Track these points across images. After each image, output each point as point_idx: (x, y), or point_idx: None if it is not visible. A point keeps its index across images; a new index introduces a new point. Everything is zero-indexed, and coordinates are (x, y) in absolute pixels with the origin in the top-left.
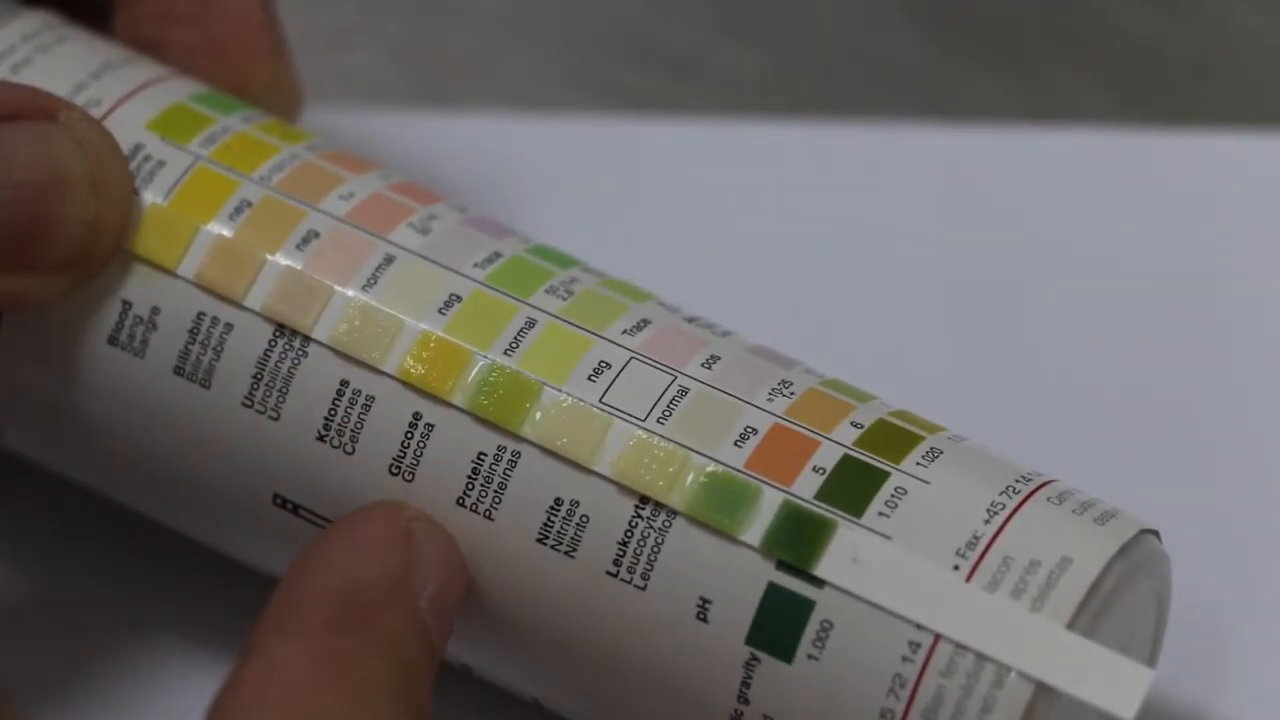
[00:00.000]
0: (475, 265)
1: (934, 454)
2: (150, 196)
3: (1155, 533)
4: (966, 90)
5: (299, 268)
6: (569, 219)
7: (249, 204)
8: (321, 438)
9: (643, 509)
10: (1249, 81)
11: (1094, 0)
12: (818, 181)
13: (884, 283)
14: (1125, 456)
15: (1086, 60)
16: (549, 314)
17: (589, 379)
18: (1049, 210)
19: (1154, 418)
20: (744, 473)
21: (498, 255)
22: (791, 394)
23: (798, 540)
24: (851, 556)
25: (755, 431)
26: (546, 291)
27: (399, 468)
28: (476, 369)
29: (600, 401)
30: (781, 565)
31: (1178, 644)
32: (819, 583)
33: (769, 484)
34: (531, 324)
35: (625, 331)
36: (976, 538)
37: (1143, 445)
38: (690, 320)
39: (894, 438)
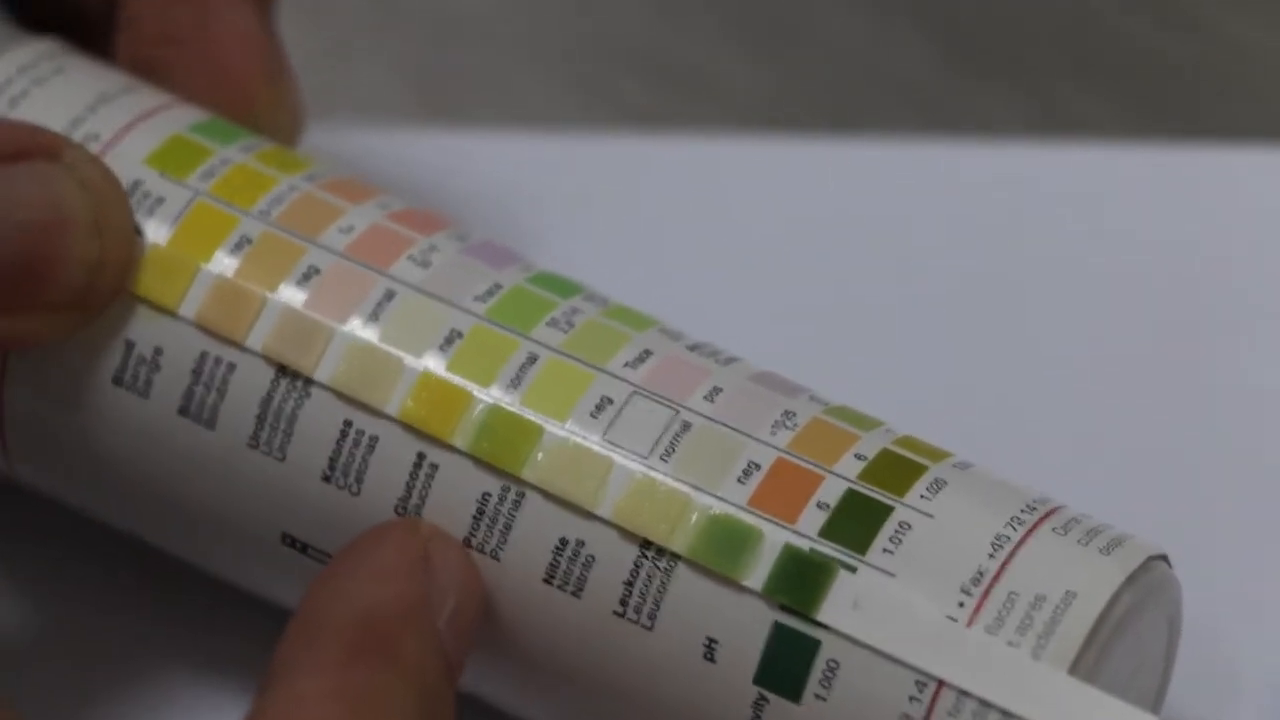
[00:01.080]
0: (476, 299)
1: (938, 485)
2: (150, 235)
3: (1164, 557)
4: (976, 106)
5: (299, 307)
6: (578, 236)
7: (249, 240)
8: (327, 478)
9: (647, 550)
10: (1258, 96)
11: (1103, 16)
12: (828, 198)
13: (895, 299)
14: (1136, 474)
15: (1096, 76)
16: (550, 348)
17: (591, 415)
18: (1060, 225)
19: (1164, 434)
20: (748, 510)
21: (498, 287)
22: (794, 425)
23: (800, 584)
24: (853, 601)
25: (758, 467)
26: (548, 324)
27: (405, 508)
28: (478, 410)
29: (603, 439)
30: (785, 606)
31: (1189, 666)
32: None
33: (773, 522)
34: (533, 359)
35: (627, 364)
36: (981, 573)
37: (1153, 463)
38: (693, 348)
39: (898, 469)
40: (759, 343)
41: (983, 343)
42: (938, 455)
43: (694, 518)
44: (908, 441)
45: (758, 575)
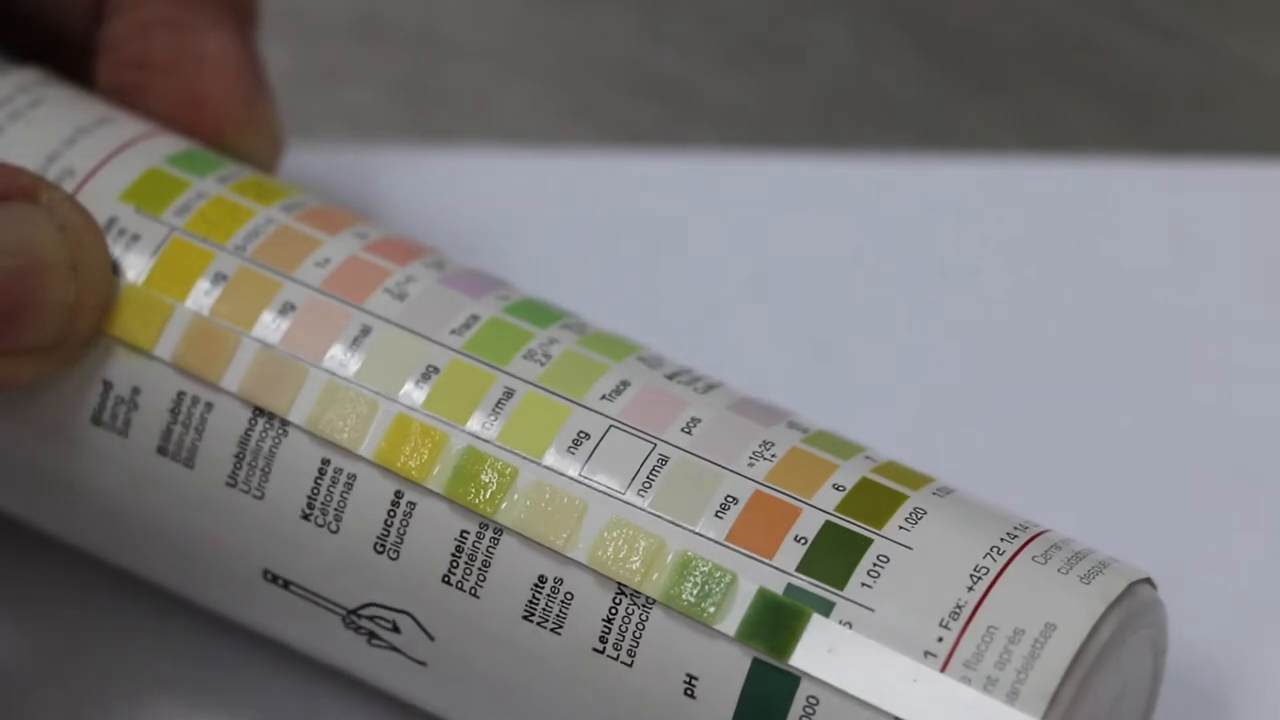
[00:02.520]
0: (452, 332)
1: (918, 514)
2: (126, 274)
3: (1148, 579)
4: (964, 121)
5: (275, 347)
6: (565, 253)
7: (224, 277)
8: (306, 516)
9: (626, 587)
10: (1248, 111)
11: (1092, 30)
12: (816, 214)
13: (883, 315)
14: (1124, 494)
15: (1085, 90)
16: (527, 382)
17: (569, 450)
18: (1049, 240)
19: (1152, 452)
20: (725, 546)
21: (475, 319)
22: (773, 456)
23: (773, 630)
24: (827, 646)
25: (736, 501)
26: (524, 357)
27: (383, 546)
28: (453, 452)
29: (580, 475)
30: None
31: (1176, 686)
32: None
33: (750, 557)
34: (510, 394)
35: (604, 397)
36: (960, 606)
37: (1142, 482)
38: (672, 376)
39: (877, 498)
40: (746, 360)
41: (972, 359)
42: (918, 481)
43: (668, 559)
44: (888, 468)
45: (730, 621)
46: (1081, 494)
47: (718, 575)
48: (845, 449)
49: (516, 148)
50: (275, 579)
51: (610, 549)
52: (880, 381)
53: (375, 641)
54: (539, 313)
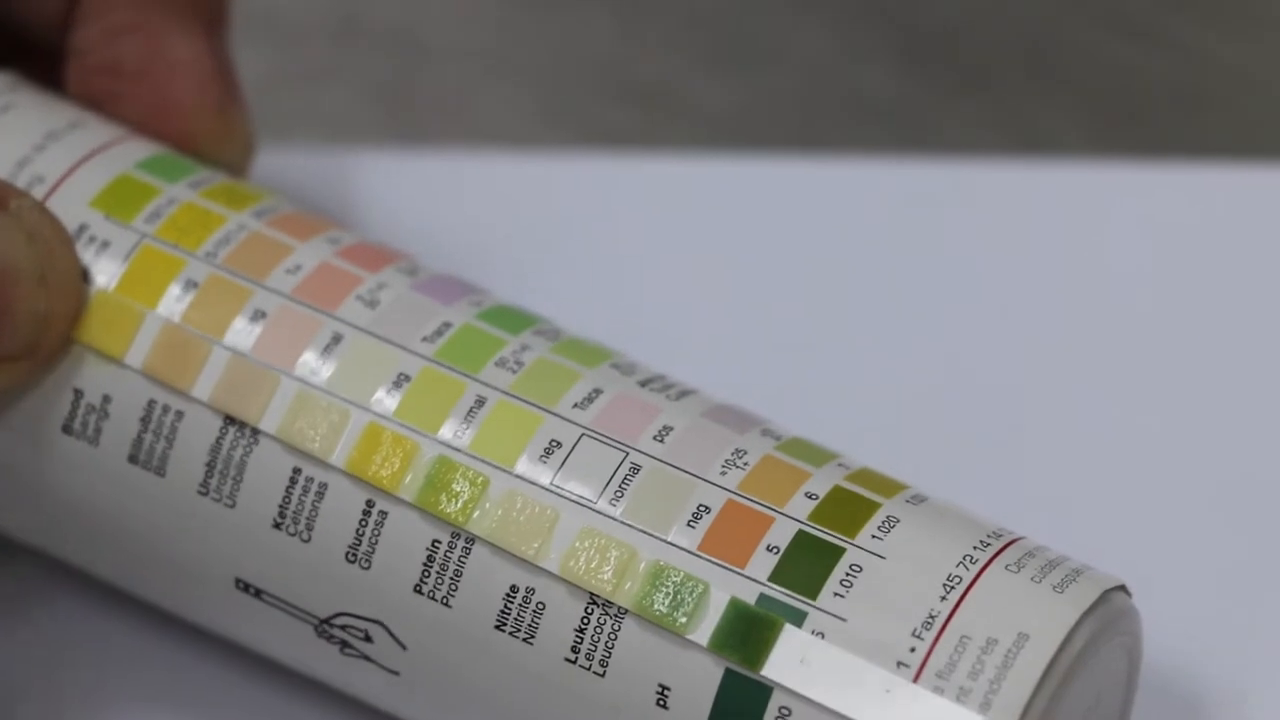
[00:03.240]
0: (424, 339)
1: (891, 522)
2: (97, 281)
3: (1123, 587)
4: (945, 124)
5: (246, 354)
6: (546, 256)
7: (195, 284)
8: (277, 525)
9: (598, 597)
10: (1229, 113)
11: (1073, 33)
12: (795, 216)
13: (863, 317)
14: (1100, 499)
15: (1067, 93)
16: (499, 390)
17: (540, 459)
18: (1030, 243)
19: (1132, 456)
20: (697, 556)
21: (447, 325)
22: (745, 464)
23: (745, 641)
24: (800, 657)
25: (708, 510)
26: (496, 364)
27: (355, 555)
28: (425, 460)
29: (552, 484)
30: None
31: (1152, 694)
32: None
33: (722, 567)
34: (481, 402)
35: (576, 405)
36: (933, 616)
37: (1119, 487)
38: (645, 383)
39: (850, 507)
40: (725, 362)
41: (952, 361)
42: (891, 489)
43: (640, 568)
44: (861, 476)
45: (703, 631)
46: (1058, 498)
47: (690, 585)
48: (819, 456)
49: (495, 151)
50: (247, 588)
51: (582, 559)
52: (860, 383)
53: (348, 651)
54: (512, 319)
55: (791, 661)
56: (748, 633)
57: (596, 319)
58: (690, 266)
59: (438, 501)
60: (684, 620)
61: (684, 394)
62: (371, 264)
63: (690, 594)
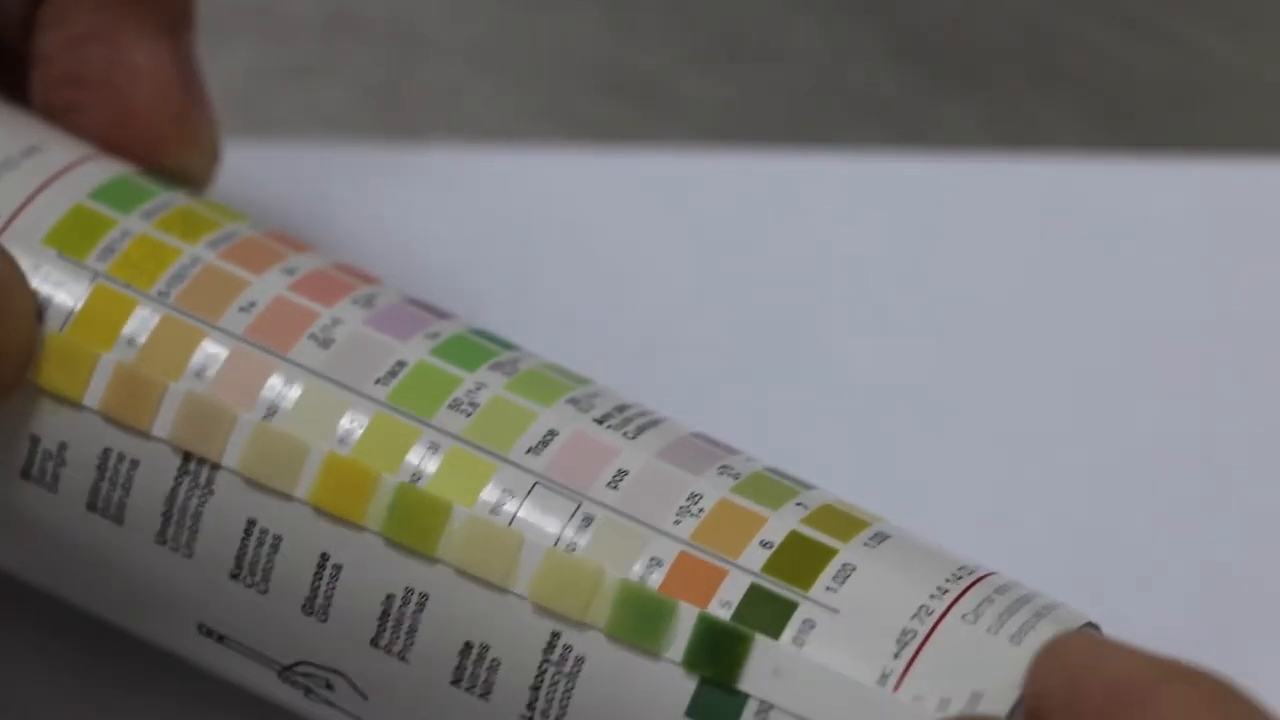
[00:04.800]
0: (377, 381)
1: (846, 572)
2: (50, 322)
3: (1091, 624)
4: (939, 119)
5: (201, 394)
6: (537, 252)
7: (148, 326)
8: (235, 576)
9: (550, 653)
10: (1224, 109)
11: (1066, 28)
12: (788, 211)
13: (856, 312)
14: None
15: (1061, 88)
16: (452, 436)
17: (492, 512)
18: (1024, 238)
19: (1134, 453)
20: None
21: (401, 365)
22: (700, 511)
23: (717, 656)
24: (774, 668)
25: (660, 564)
26: (450, 407)
27: (312, 608)
28: (387, 490)
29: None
30: (705, 680)
31: None
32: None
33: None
34: (435, 448)
35: (530, 450)
36: (886, 675)
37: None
38: (603, 419)
39: (805, 555)
40: (719, 357)
41: (947, 355)
42: (851, 529)
43: (611, 586)
44: (821, 515)
45: (676, 647)
46: (1058, 497)
47: (658, 601)
48: (777, 495)
49: (487, 146)
50: (210, 633)
51: (549, 582)
52: (853, 378)
53: (311, 695)
54: (469, 352)
55: (766, 673)
56: (720, 647)
57: (588, 314)
58: (683, 262)
59: (405, 535)
60: (657, 639)
61: (643, 428)
62: (327, 297)
63: (660, 611)
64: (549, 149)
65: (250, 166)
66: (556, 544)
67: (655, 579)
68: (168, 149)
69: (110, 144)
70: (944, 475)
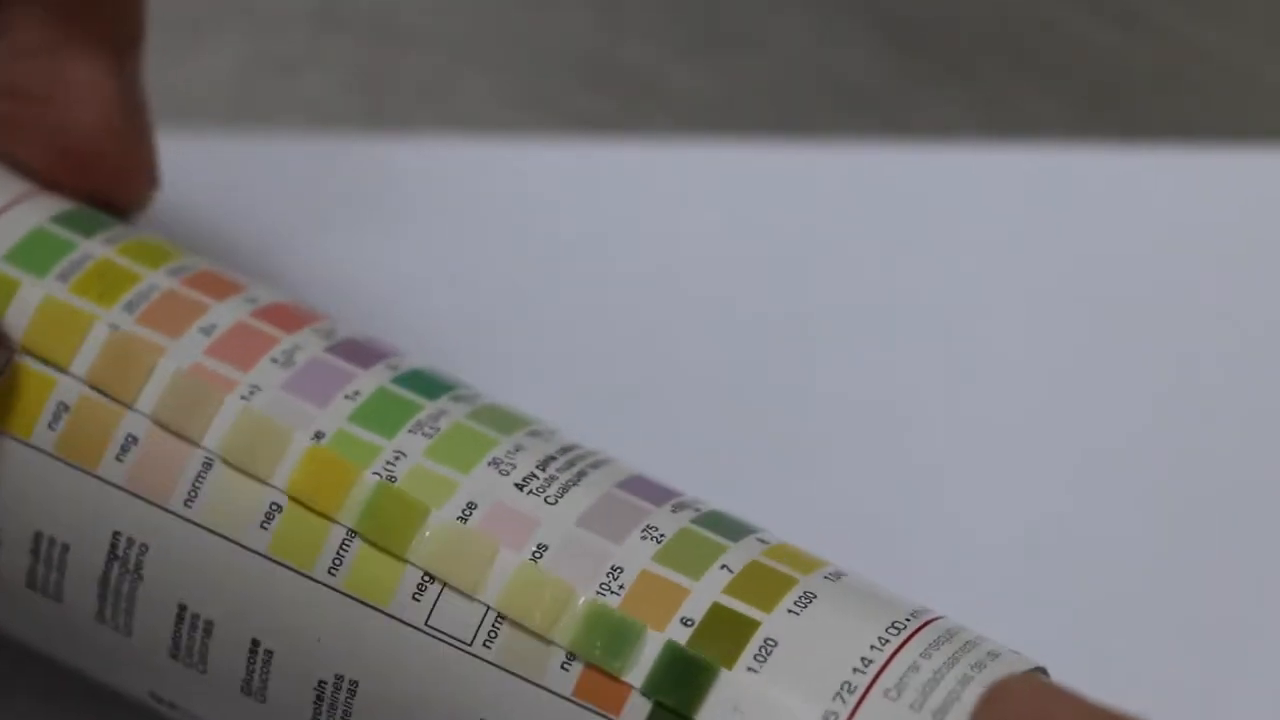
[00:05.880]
0: (313, 436)
1: (767, 649)
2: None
3: (1039, 668)
4: (926, 108)
5: (154, 429)
6: (524, 241)
7: (66, 409)
8: (174, 656)
9: None
10: (1208, 96)
11: (1052, 16)
12: (776, 202)
13: (844, 301)
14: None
15: (1046, 76)
16: (359, 534)
17: (414, 598)
18: (1011, 226)
19: (1131, 450)
20: (570, 700)
21: (320, 436)
22: (621, 589)
23: (680, 684)
24: (733, 705)
25: (574, 658)
26: (373, 474)
27: (249, 689)
28: (368, 482)
29: (425, 625)
30: (660, 705)
31: None
32: None
33: (594, 712)
34: (347, 544)
35: (459, 518)
36: None
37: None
38: (524, 483)
39: (725, 634)
40: (708, 347)
41: (937, 346)
42: (777, 592)
43: (579, 604)
44: (747, 579)
45: (638, 672)
46: (1056, 493)
47: (626, 623)
48: (702, 558)
49: (474, 137)
50: (160, 700)
51: (519, 596)
52: (843, 367)
53: None
54: (389, 414)
55: (726, 709)
56: (684, 675)
57: (576, 306)
58: (671, 252)
59: (378, 531)
60: (623, 661)
61: (567, 487)
62: (244, 361)
63: (628, 632)
64: (536, 140)
65: (238, 160)
66: (471, 644)
67: (575, 667)
68: (103, 168)
69: (46, 161)
70: (929, 464)
